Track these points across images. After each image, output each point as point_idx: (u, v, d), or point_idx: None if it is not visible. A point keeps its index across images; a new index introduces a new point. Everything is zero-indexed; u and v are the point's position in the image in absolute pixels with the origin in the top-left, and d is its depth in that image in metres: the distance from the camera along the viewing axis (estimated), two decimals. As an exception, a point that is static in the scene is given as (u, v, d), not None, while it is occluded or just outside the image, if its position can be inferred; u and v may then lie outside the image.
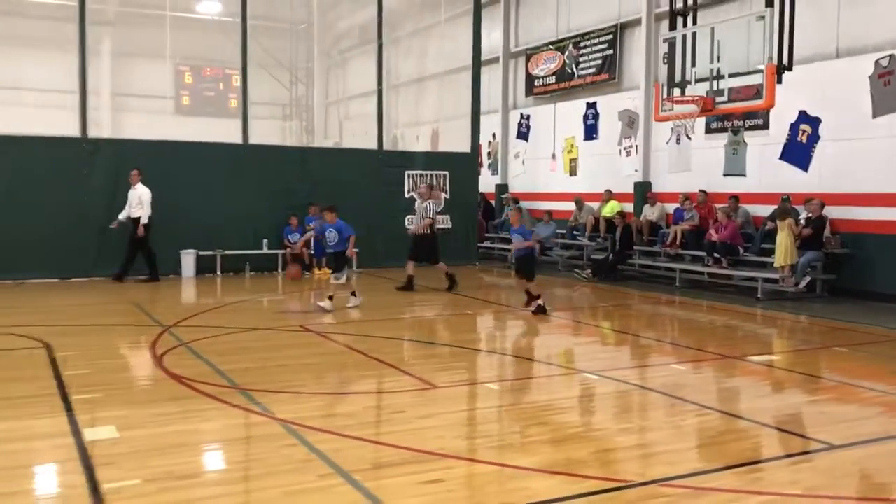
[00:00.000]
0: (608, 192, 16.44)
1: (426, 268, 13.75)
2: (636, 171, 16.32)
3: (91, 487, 4.48)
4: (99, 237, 14.14)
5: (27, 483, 4.63)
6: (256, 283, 14.62)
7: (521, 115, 19.86)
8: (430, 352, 8.75)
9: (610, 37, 17.00)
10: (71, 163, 14.42)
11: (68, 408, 6.06)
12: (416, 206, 13.65)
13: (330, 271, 11.57)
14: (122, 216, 14.00)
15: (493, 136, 20.54)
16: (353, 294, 11.42)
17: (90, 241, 14.19)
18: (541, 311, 10.94)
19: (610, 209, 16.20)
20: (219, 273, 15.25)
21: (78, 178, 14.36)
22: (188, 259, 14.89)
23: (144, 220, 13.87)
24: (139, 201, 13.93)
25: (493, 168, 20.65)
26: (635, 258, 15.24)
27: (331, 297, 11.03)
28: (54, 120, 18.92)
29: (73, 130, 15.86)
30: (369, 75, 22.05)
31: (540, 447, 5.38)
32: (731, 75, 10.61)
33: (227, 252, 15.31)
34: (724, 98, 10.60)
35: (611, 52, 16.98)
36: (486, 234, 19.09)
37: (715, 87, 10.90)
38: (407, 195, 17.14)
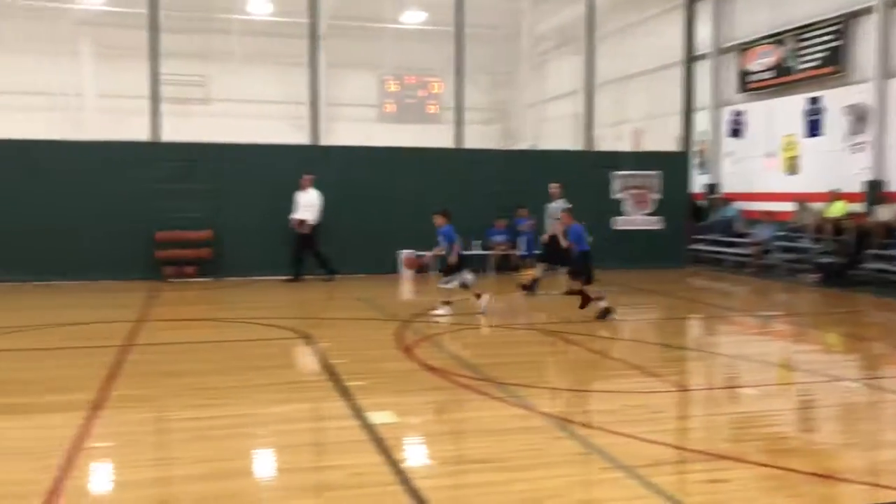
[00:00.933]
0: (835, 191, 15.46)
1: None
2: (867, 169, 15.24)
3: (391, 466, 4.82)
4: (330, 234, 14.85)
5: (333, 458, 5.04)
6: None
7: (733, 111, 19.11)
8: (668, 354, 8.63)
9: (836, 27, 15.98)
10: (300, 168, 15.31)
11: (343, 393, 6.52)
12: (548, 206, 13.23)
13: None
14: (297, 214, 14.52)
15: (703, 134, 19.91)
16: (447, 303, 10.56)
17: (322, 238, 14.94)
18: (606, 314, 10.02)
19: (837, 210, 15.23)
20: (432, 272, 15.77)
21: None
22: (406, 258, 15.55)
23: (312, 221, 14.42)
24: (309, 204, 14.52)
25: (703, 167, 20.02)
26: (868, 262, 14.23)
27: (448, 302, 10.55)
28: (272, 128, 20.48)
29: (285, 138, 17.17)
30: (568, 76, 22.11)
31: (814, 453, 5.22)
32: None
33: (441, 253, 15.81)
34: None
35: (837, 43, 15.97)
36: (695, 237, 18.51)
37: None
38: (613, 196, 17.06)
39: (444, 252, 10.80)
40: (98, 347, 8.37)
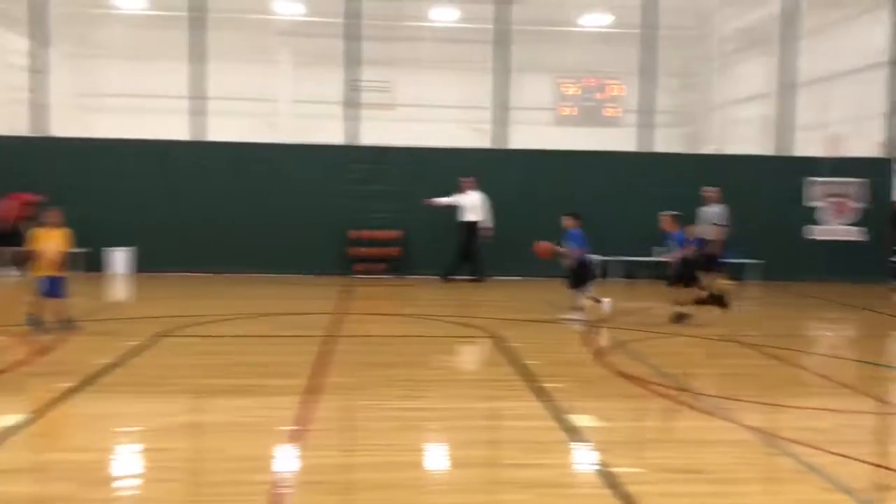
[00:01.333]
0: None
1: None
2: None
3: (598, 469, 4.88)
4: (509, 237, 15.05)
5: (540, 457, 5.12)
6: (654, 289, 14.66)
7: (945, 114, 17.58)
8: (877, 373, 8.12)
9: None
10: (483, 171, 15.56)
11: (539, 394, 6.63)
12: (702, 210, 12.58)
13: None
14: (444, 201, 14.67)
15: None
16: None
17: (501, 241, 15.19)
18: (679, 319, 10.21)
19: None
20: (607, 278, 15.52)
21: (489, 184, 15.51)
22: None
23: (488, 223, 14.67)
24: (475, 206, 14.70)
25: (906, 175, 18.56)
26: None
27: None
28: (453, 132, 20.93)
29: (465, 141, 17.50)
30: (758, 78, 21.15)
31: None
32: None
33: (623, 258, 15.65)
34: None
35: None
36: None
37: None
38: (808, 204, 16.24)
39: (575, 253, 10.76)
40: (304, 337, 8.97)
